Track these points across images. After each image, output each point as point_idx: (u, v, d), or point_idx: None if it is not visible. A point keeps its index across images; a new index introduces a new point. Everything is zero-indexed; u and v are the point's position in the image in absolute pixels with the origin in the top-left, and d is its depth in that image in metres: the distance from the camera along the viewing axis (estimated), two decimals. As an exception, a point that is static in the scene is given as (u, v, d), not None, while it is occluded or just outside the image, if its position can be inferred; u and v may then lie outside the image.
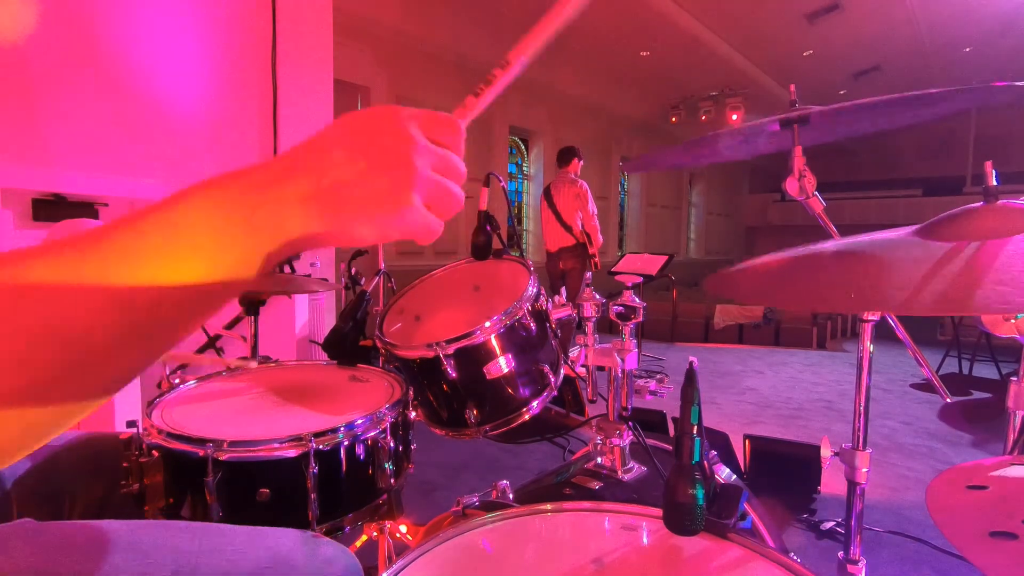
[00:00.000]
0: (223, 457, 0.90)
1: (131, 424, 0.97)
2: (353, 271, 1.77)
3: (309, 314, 3.17)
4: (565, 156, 4.76)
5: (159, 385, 1.21)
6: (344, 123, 0.36)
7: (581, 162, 4.76)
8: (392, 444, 1.05)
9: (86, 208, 2.54)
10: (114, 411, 2.06)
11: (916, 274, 0.59)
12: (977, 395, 4.33)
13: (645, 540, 0.71)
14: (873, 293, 0.60)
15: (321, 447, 0.94)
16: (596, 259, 4.68)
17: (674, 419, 1.25)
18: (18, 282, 0.27)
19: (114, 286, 0.28)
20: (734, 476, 1.22)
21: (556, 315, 1.14)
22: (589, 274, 1.24)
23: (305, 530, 0.79)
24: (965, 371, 4.87)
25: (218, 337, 2.52)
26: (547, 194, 4.75)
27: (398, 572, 0.63)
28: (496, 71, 0.42)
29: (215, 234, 0.31)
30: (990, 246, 0.60)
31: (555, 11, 0.42)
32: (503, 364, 1.04)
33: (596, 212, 4.62)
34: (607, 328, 1.06)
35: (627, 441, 1.12)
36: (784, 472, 2.25)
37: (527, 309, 1.06)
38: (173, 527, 0.70)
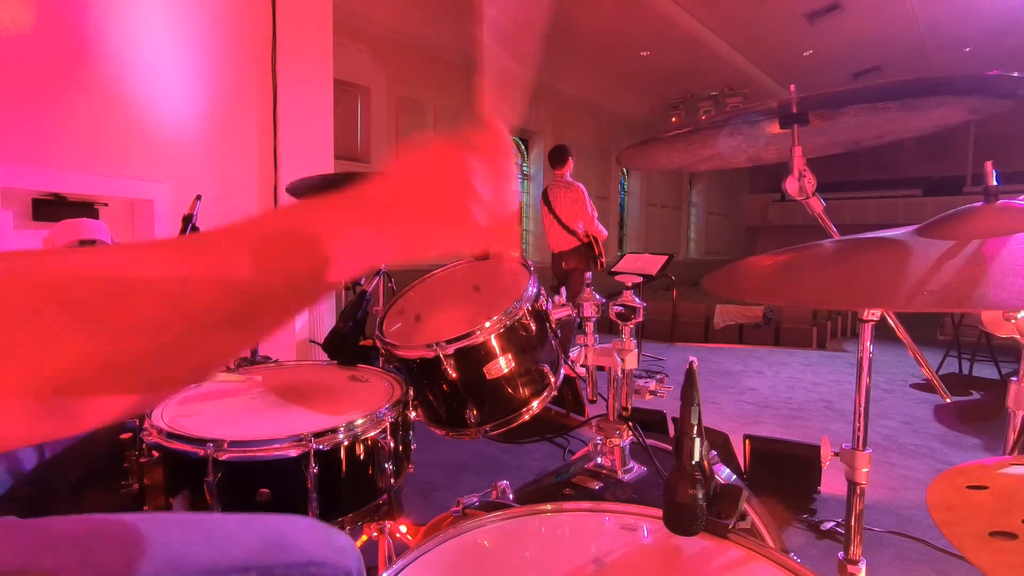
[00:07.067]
0: (223, 457, 0.90)
1: (131, 424, 0.97)
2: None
3: (309, 314, 3.16)
4: (559, 156, 4.62)
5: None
6: (412, 166, 0.42)
7: (572, 159, 4.67)
8: (392, 444, 1.05)
9: (86, 208, 2.54)
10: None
11: (921, 270, 0.59)
12: (975, 395, 4.33)
13: (645, 540, 0.71)
14: (882, 289, 0.60)
15: (321, 447, 0.94)
16: (603, 259, 4.63)
17: (674, 419, 1.25)
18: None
19: (232, 278, 0.32)
20: (734, 476, 1.22)
21: (556, 315, 1.14)
22: (589, 274, 1.24)
23: (296, 514, 0.78)
24: (965, 371, 4.87)
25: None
26: (546, 199, 4.68)
27: (398, 572, 0.63)
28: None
29: (311, 246, 0.36)
30: (993, 242, 0.60)
31: None
32: (503, 364, 1.04)
33: (596, 213, 4.58)
34: (607, 328, 1.06)
35: (627, 441, 1.12)
36: (784, 472, 2.25)
37: (527, 309, 1.06)
38: (161, 519, 0.69)
